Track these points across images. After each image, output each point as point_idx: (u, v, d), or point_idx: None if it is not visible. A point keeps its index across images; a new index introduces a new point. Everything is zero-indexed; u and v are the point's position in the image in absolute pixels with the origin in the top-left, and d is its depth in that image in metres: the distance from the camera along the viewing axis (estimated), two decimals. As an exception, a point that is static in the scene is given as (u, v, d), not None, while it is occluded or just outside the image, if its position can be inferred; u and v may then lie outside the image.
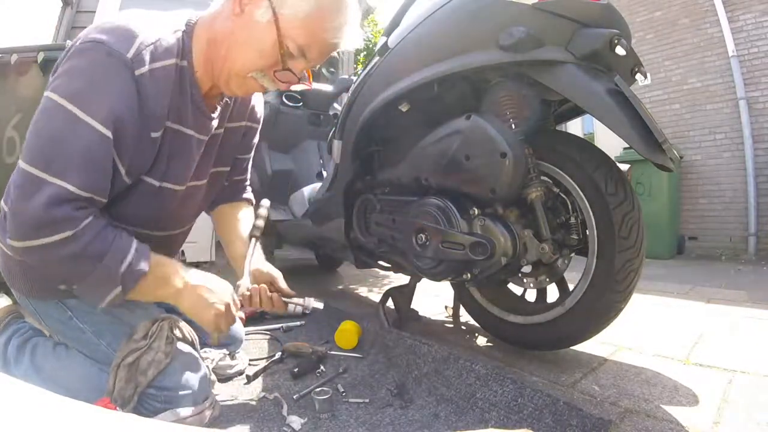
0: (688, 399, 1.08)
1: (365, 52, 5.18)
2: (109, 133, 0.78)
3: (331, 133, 1.90)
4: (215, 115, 1.02)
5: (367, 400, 1.06)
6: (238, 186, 1.31)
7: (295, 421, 0.95)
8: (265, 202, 1.27)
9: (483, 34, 1.18)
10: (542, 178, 1.25)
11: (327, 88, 2.86)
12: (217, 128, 1.05)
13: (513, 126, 1.25)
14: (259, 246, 1.19)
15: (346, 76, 2.94)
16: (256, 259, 1.15)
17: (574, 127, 5.91)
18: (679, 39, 5.16)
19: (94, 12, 3.25)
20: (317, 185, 2.31)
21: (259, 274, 1.15)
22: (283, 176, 2.67)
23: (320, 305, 1.21)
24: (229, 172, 1.22)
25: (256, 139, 1.27)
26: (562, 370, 1.25)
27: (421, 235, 1.37)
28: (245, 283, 1.07)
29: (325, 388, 1.07)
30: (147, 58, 0.81)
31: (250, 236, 1.17)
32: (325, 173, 2.53)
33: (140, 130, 0.84)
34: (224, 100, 1.05)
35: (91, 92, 0.77)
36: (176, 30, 0.89)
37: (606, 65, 1.08)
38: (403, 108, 1.46)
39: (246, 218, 1.28)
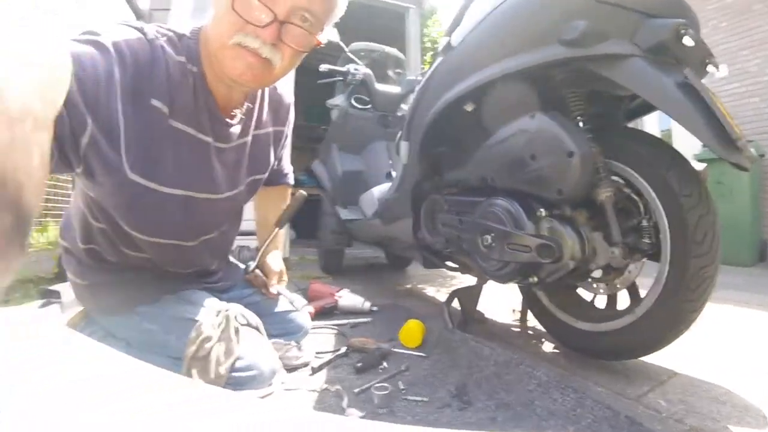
0: (758, 421, 0.98)
1: (431, 52, 5.15)
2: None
3: (399, 134, 1.92)
4: (235, 122, 0.99)
5: (425, 399, 1.06)
6: (275, 172, 1.33)
7: (354, 413, 0.98)
8: (300, 195, 1.38)
9: (545, 29, 1.15)
10: (613, 178, 1.19)
11: (395, 89, 2.89)
12: (242, 136, 1.04)
13: (580, 124, 1.20)
14: (281, 234, 1.38)
15: (413, 77, 2.96)
16: (271, 249, 1.37)
17: (650, 123, 5.48)
18: (754, 26, 4.59)
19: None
20: (387, 185, 2.35)
21: (263, 265, 1.35)
22: (353, 177, 2.74)
23: (302, 304, 1.41)
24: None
25: (288, 140, 1.28)
26: (628, 382, 1.19)
27: (487, 236, 1.34)
28: (251, 266, 1.34)
29: (385, 384, 1.08)
30: (162, 39, 0.84)
31: (275, 225, 1.34)
32: (394, 173, 2.56)
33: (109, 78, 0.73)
34: (245, 106, 1.02)
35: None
36: (183, 36, 0.89)
37: (675, 57, 1.01)
38: (468, 108, 1.45)
39: (278, 204, 1.40)
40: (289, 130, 1.25)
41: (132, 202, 0.87)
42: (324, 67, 2.64)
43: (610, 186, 1.16)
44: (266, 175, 1.20)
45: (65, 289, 1.25)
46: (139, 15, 3.08)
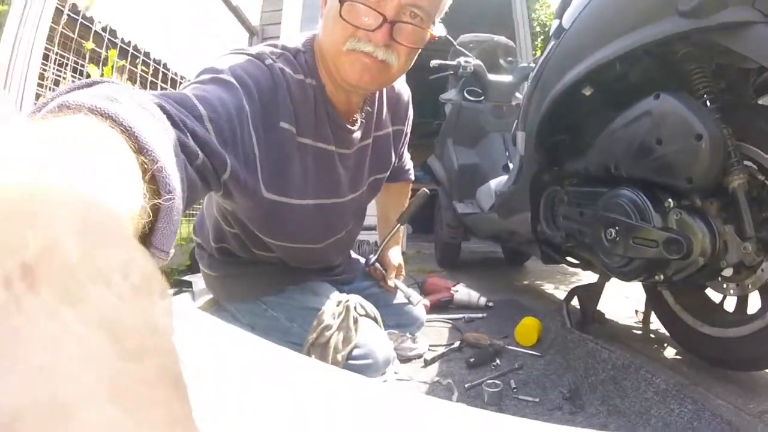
0: None
1: (542, 37, 4.85)
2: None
3: (514, 125, 1.86)
4: (356, 127, 1.01)
5: (537, 400, 1.03)
6: (396, 169, 1.33)
7: (463, 408, 0.98)
8: (423, 193, 1.40)
9: (660, 1, 1.04)
10: (745, 162, 1.04)
11: (507, 78, 2.80)
12: (363, 139, 1.06)
13: (708, 103, 1.06)
14: (401, 231, 1.41)
15: (525, 64, 2.85)
16: (391, 244, 1.41)
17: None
18: None
19: (278, 38, 3.65)
20: (504, 178, 2.28)
21: (383, 259, 1.39)
22: (469, 170, 2.72)
23: (418, 299, 1.41)
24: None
25: (407, 137, 1.28)
26: (751, 396, 1.04)
27: (611, 229, 1.25)
28: (372, 259, 1.38)
29: (496, 381, 1.07)
30: (279, 61, 0.87)
31: (397, 221, 1.38)
32: (511, 165, 2.49)
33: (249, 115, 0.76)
34: (365, 110, 1.03)
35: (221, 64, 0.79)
36: (297, 51, 0.91)
37: None
38: (586, 92, 1.35)
39: (399, 200, 1.45)
40: (408, 127, 1.26)
41: (267, 216, 0.92)
42: (434, 63, 2.63)
43: (742, 172, 1.02)
44: (388, 173, 1.23)
45: (196, 280, 1.39)
46: (251, 32, 3.23)
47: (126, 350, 0.14)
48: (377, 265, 1.41)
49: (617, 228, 1.22)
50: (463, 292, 1.97)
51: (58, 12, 1.95)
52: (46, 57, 1.90)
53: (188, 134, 0.57)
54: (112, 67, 2.14)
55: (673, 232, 1.07)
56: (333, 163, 1.00)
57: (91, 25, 2.19)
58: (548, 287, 2.46)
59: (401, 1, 0.77)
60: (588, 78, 1.29)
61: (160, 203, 0.40)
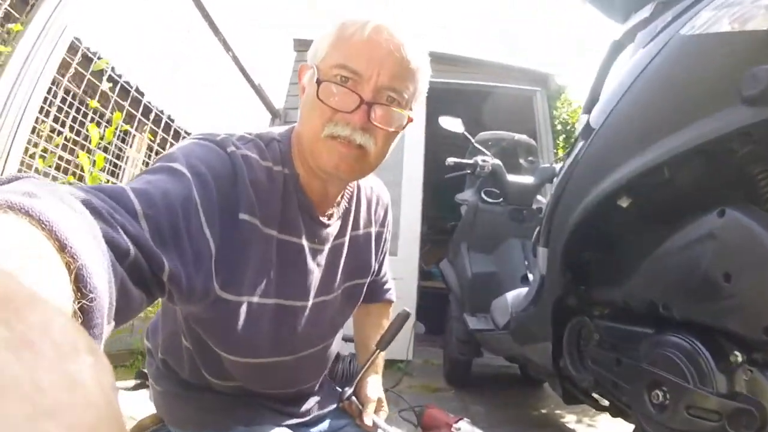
0: None
1: (563, 135, 4.77)
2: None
3: (535, 234, 1.67)
4: (330, 222, 0.96)
5: None
6: (375, 286, 1.24)
7: None
8: (403, 313, 1.22)
9: (716, 86, 0.92)
10: None
11: (527, 179, 2.70)
12: (339, 237, 1.00)
13: None
14: (381, 357, 1.22)
15: (547, 165, 2.79)
16: (370, 374, 1.20)
17: None
18: None
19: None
20: (522, 291, 2.05)
21: (360, 390, 1.18)
22: (484, 280, 2.52)
23: None
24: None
25: (387, 244, 1.20)
26: None
27: (657, 391, 0.99)
28: (348, 392, 1.15)
29: None
30: (245, 147, 0.83)
31: (375, 346, 1.19)
32: (531, 276, 2.26)
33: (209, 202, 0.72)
34: (342, 206, 0.99)
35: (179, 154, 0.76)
36: (271, 139, 0.90)
37: None
38: (623, 203, 1.15)
39: (378, 322, 1.29)
40: (389, 233, 1.18)
41: (221, 320, 0.83)
42: (450, 161, 2.59)
43: None
44: (367, 280, 1.11)
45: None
46: (274, 114, 3.47)
47: (37, 408, 0.15)
48: (353, 398, 1.18)
49: (665, 390, 0.98)
50: (466, 430, 1.63)
51: (66, 63, 1.86)
52: (41, 110, 1.80)
53: (119, 229, 0.52)
54: (116, 129, 2.04)
55: (742, 400, 0.85)
56: (303, 258, 0.91)
57: (99, 84, 2.12)
58: (569, 419, 2.15)
59: (378, 83, 0.78)
60: (625, 186, 1.09)
61: (84, 304, 0.37)
